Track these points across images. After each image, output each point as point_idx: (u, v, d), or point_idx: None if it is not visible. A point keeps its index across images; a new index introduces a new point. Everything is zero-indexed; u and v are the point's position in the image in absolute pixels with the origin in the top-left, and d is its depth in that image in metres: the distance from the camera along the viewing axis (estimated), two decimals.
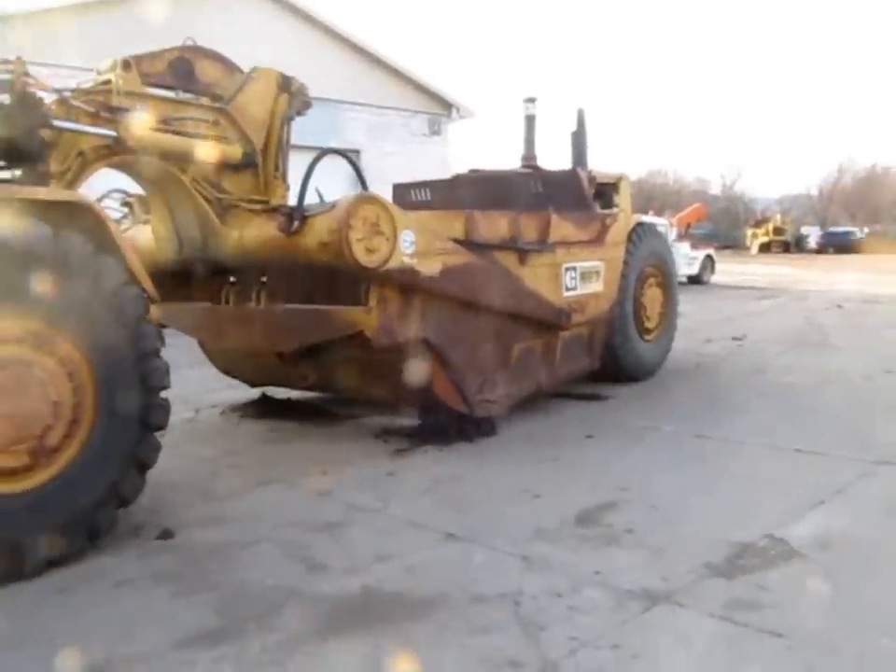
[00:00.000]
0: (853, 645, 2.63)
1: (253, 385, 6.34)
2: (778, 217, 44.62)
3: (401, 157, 14.75)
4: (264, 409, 6.18)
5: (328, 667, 2.59)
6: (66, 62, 9.42)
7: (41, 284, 3.23)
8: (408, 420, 5.54)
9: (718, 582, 3.10)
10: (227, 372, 6.28)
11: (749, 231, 43.87)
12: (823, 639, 2.66)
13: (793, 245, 42.25)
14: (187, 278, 5.26)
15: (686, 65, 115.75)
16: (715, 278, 19.87)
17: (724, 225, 47.53)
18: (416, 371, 4.81)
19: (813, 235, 43.93)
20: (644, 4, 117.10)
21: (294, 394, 6.38)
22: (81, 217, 3.45)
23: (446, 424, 5.28)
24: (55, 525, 3.35)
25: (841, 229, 44.76)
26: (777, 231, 42.50)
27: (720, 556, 3.32)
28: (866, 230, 44.03)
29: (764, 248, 41.47)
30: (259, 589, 3.18)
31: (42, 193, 3.43)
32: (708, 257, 19.85)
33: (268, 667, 2.60)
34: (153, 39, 10.60)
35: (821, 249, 41.28)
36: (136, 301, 3.54)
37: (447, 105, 17.24)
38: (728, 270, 22.38)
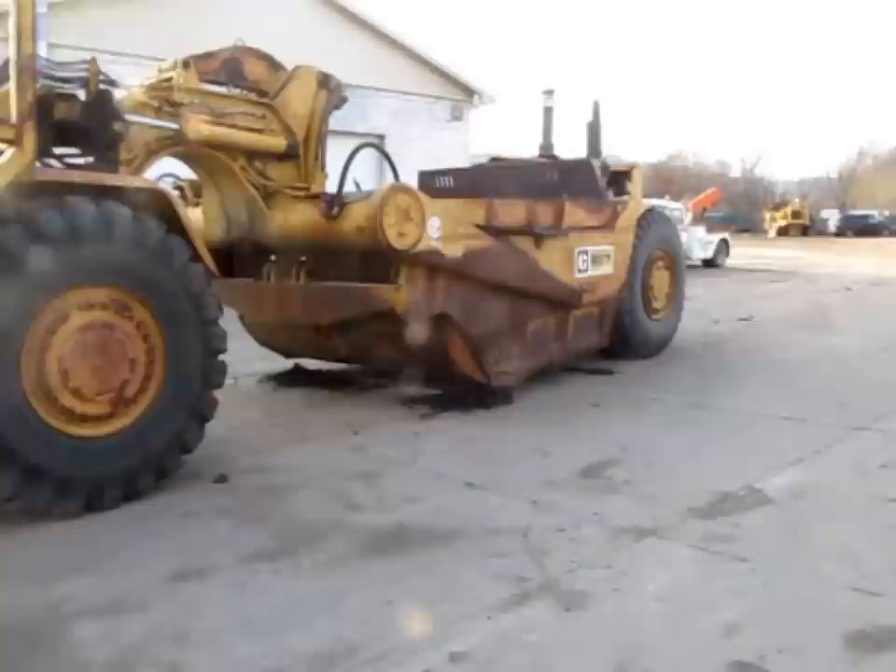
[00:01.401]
0: (805, 568, 3.13)
1: (288, 356, 6.87)
2: (797, 200, 44.49)
3: (424, 142, 15.05)
4: (298, 378, 6.68)
5: (368, 578, 3.12)
6: (108, 47, 9.94)
7: (123, 258, 3.78)
8: (431, 389, 6.03)
9: (698, 522, 3.60)
10: (264, 344, 6.82)
11: (768, 215, 43.82)
12: (781, 563, 3.17)
13: (811, 228, 42.23)
14: (230, 256, 5.80)
15: (707, 48, 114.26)
16: (730, 261, 20.15)
17: (744, 208, 47.43)
18: (439, 343, 5.33)
19: (833, 218, 43.79)
20: None
21: (325, 365, 6.90)
22: (156, 201, 3.98)
23: (466, 393, 5.78)
24: (130, 465, 3.89)
25: (860, 212, 44.60)
26: (796, 214, 42.44)
27: (703, 502, 3.82)
28: (886, 212, 43.80)
29: (783, 232, 41.46)
30: (306, 521, 3.72)
31: (125, 181, 3.97)
32: (723, 240, 20.12)
33: (319, 577, 3.14)
34: (187, 28, 11.17)
35: (840, 232, 41.22)
36: (201, 276, 4.08)
37: (469, 92, 17.50)
38: (744, 253, 22.63)
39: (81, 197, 3.66)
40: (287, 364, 6.95)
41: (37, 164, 3.78)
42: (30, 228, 3.50)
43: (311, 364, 6.88)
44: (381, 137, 14.68)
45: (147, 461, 3.97)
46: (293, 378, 6.71)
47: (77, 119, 4.13)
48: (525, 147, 22.23)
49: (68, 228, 3.59)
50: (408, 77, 16.26)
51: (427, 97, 16.78)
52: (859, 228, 40.89)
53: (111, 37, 10.63)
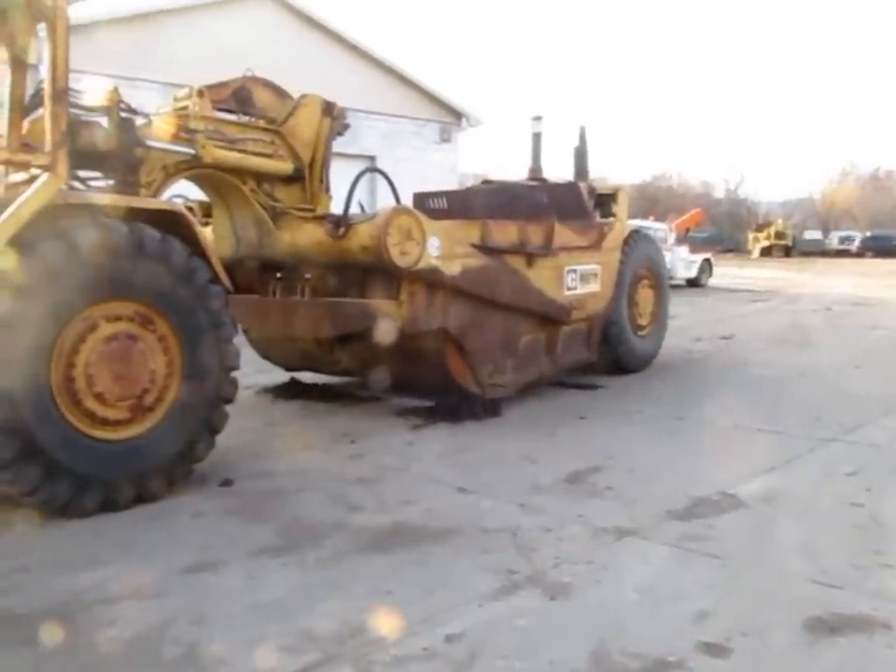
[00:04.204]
0: (771, 563, 3.42)
1: (289, 369, 7.11)
2: (780, 221, 45.23)
3: (413, 163, 15.33)
4: (294, 391, 6.92)
5: (369, 571, 3.37)
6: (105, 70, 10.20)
7: (150, 276, 4.05)
8: (423, 401, 6.29)
9: (675, 523, 3.88)
10: (267, 357, 7.07)
11: (751, 236, 44.50)
12: (750, 559, 3.45)
13: (794, 248, 42.58)
14: (236, 272, 6.06)
15: (691, 70, 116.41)
16: (713, 281, 20.57)
17: (727, 228, 48.15)
18: (437, 356, 5.62)
19: (857, 239, 43.51)
20: (651, 9, 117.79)
21: (320, 378, 7.12)
22: (177, 223, 4.26)
23: (457, 404, 6.04)
24: (143, 469, 4.13)
25: (883, 233, 44.39)
26: (779, 235, 43.14)
27: (680, 506, 4.10)
28: (868, 233, 44.54)
29: (766, 252, 42.13)
30: (309, 521, 3.97)
31: (148, 203, 4.26)
32: (706, 260, 20.56)
33: (323, 570, 3.39)
34: (185, 51, 11.45)
35: (861, 253, 41.38)
36: (220, 296, 4.37)
37: (457, 115, 17.89)
38: (727, 273, 23.09)
39: (115, 218, 3.95)
40: (282, 378, 7.16)
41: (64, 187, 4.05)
42: (70, 245, 3.78)
43: (306, 377, 7.12)
44: (371, 159, 14.96)
45: (159, 466, 4.21)
46: (289, 390, 6.95)
47: (100, 144, 4.40)
48: (512, 168, 22.71)
49: (103, 246, 3.88)
50: (397, 100, 16.59)
51: (416, 119, 17.13)
52: (880, 248, 40.82)
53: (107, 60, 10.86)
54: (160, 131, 4.70)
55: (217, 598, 3.13)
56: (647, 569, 3.38)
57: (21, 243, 3.67)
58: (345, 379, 7.18)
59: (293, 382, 7.11)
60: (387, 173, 5.87)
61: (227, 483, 4.53)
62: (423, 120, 17.26)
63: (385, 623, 2.91)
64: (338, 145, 6.09)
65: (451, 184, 15.29)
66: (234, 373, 4.55)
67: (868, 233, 44.53)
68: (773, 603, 3.06)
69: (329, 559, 3.50)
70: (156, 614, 2.99)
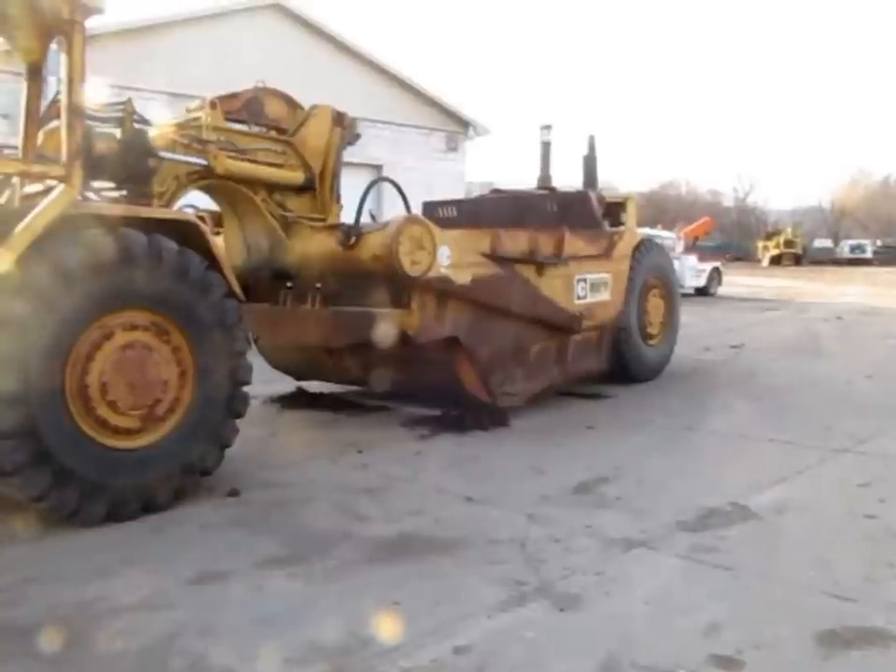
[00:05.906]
0: (784, 575, 3.38)
1: (299, 377, 7.11)
2: (789, 229, 45.05)
3: (420, 172, 15.26)
4: (300, 400, 6.91)
5: (376, 582, 3.35)
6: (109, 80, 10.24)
7: (167, 287, 4.06)
8: (430, 411, 6.27)
9: (685, 534, 3.84)
10: (276, 366, 7.07)
11: (761, 244, 44.32)
12: (763, 571, 3.41)
13: (804, 257, 41.89)
14: (247, 282, 6.07)
15: (699, 77, 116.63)
16: (722, 290, 20.47)
17: (737, 237, 47.99)
18: (447, 365, 5.62)
19: None
20: (660, 17, 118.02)
21: (327, 388, 7.12)
22: (190, 233, 4.27)
23: (464, 414, 6.02)
24: (151, 480, 4.12)
25: None
26: (789, 243, 42.94)
27: (690, 517, 4.06)
28: (879, 242, 44.26)
29: (775, 261, 41.93)
30: (317, 531, 3.95)
31: (161, 213, 4.29)
32: (716, 269, 20.49)
33: (331, 581, 3.37)
34: (190, 62, 11.52)
35: None
36: (235, 310, 4.38)
37: (464, 124, 17.92)
38: (736, 282, 22.96)
39: (134, 229, 3.98)
40: (290, 387, 7.15)
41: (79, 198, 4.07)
42: (87, 254, 3.81)
43: (313, 387, 7.12)
44: (378, 168, 14.97)
45: (167, 477, 4.19)
46: (296, 400, 6.93)
47: (114, 155, 4.43)
48: (519, 176, 22.76)
49: (122, 255, 3.90)
50: (404, 109, 16.63)
51: (423, 128, 17.15)
52: None
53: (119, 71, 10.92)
54: (172, 141, 4.72)
55: (224, 609, 3.12)
56: (657, 581, 3.34)
57: (37, 252, 3.70)
58: (352, 388, 7.17)
59: (299, 391, 7.10)
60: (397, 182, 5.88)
61: (234, 493, 4.51)
62: (429, 129, 17.30)
63: (393, 635, 2.88)
64: (344, 154, 6.10)
65: (458, 193, 15.29)
66: (246, 388, 4.54)
67: None
68: (785, 615, 3.02)
69: (335, 570, 3.48)
70: (163, 625, 2.97)
